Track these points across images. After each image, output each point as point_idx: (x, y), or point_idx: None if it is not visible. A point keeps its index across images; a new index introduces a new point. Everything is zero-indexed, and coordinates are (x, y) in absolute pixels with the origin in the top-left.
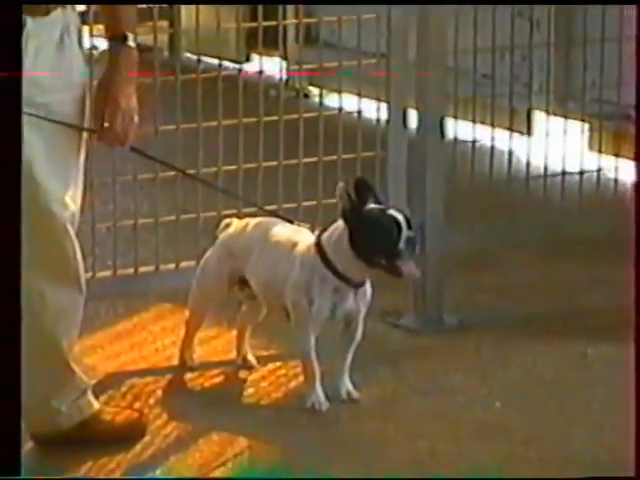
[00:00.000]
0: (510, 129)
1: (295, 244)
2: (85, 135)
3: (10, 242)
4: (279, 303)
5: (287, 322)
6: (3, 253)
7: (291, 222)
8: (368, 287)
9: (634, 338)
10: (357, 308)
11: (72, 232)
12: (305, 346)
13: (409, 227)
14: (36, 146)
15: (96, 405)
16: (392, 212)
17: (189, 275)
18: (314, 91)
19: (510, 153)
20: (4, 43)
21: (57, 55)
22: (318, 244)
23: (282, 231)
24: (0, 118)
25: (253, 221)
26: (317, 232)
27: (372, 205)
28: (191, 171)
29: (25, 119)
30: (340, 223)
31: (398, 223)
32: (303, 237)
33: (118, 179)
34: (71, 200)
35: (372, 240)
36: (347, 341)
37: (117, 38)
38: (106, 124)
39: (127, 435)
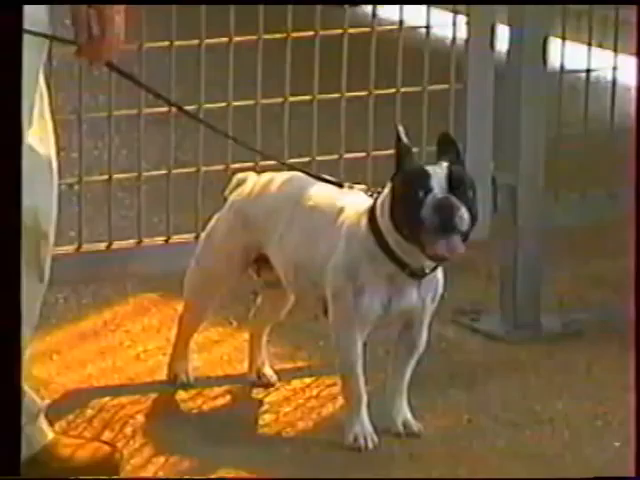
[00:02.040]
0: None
1: (341, 210)
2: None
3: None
4: (316, 293)
5: (322, 322)
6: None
7: (340, 185)
8: (440, 276)
9: (634, 339)
10: (422, 305)
11: (44, 189)
12: (348, 355)
13: (451, 187)
14: None
15: (50, 435)
16: (428, 166)
17: (184, 253)
18: None
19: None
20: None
21: None
22: (372, 212)
23: (322, 191)
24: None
25: (279, 177)
26: (374, 195)
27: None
28: (189, 107)
29: None
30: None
31: (427, 181)
32: (353, 201)
33: (86, 116)
34: (40, 142)
35: (399, 207)
36: (406, 350)
37: None
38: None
39: (93, 476)
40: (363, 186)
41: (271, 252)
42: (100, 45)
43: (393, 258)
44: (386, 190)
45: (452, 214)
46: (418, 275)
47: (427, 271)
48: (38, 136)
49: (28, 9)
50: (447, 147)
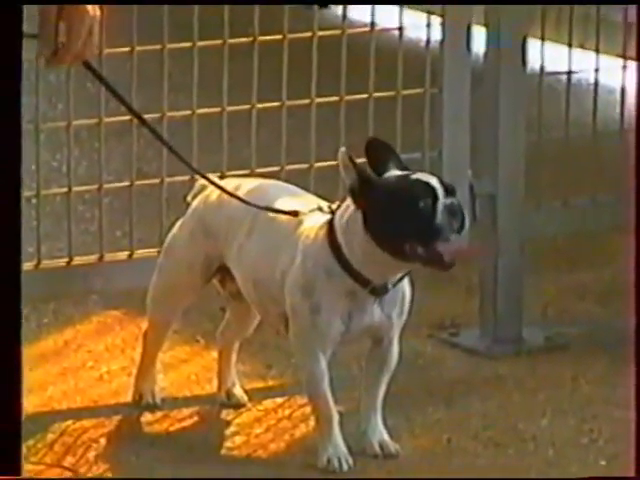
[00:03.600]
0: (623, 56)
1: (299, 222)
2: None
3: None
4: (277, 310)
5: (285, 339)
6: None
7: (295, 214)
8: (406, 290)
9: (634, 338)
10: (388, 320)
11: None
12: (312, 374)
13: (447, 193)
14: None
15: None
16: (418, 176)
17: (148, 268)
18: None
19: (623, 91)
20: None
21: None
22: (330, 225)
23: (283, 201)
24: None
25: (244, 184)
26: (333, 206)
27: (394, 173)
28: (152, 115)
29: None
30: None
31: (430, 188)
32: (311, 214)
33: (44, 125)
34: None
35: (396, 219)
36: (377, 367)
37: None
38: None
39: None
40: (325, 206)
41: (231, 264)
42: (65, 56)
43: (353, 275)
44: (348, 206)
45: (463, 217)
46: (380, 292)
47: (389, 287)
48: None
49: None
50: (384, 155)
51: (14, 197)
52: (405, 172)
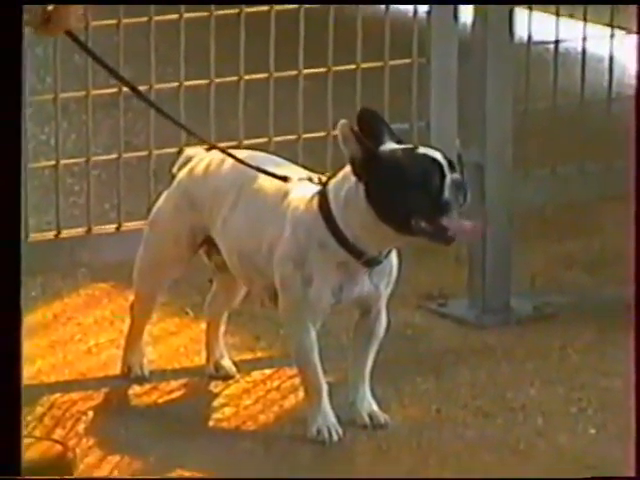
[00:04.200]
0: (611, 25)
1: (286, 193)
2: None
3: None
4: (263, 282)
5: (273, 310)
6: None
7: (285, 179)
8: (394, 261)
9: (634, 334)
10: (376, 290)
11: None
12: (301, 345)
13: (451, 167)
14: None
15: None
16: (424, 150)
17: (136, 241)
18: None
19: (611, 60)
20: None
21: None
22: (322, 197)
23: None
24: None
25: (234, 154)
26: (323, 178)
27: (392, 145)
28: (140, 87)
29: None
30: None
31: (438, 163)
32: (301, 183)
33: (32, 99)
34: None
35: (403, 193)
36: (365, 338)
37: None
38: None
39: (45, 476)
40: (315, 177)
41: (216, 236)
42: (55, 27)
43: (347, 246)
44: (346, 174)
45: (466, 192)
46: (373, 263)
47: (382, 258)
48: None
49: None
50: (378, 126)
51: (14, 171)
52: (408, 145)
